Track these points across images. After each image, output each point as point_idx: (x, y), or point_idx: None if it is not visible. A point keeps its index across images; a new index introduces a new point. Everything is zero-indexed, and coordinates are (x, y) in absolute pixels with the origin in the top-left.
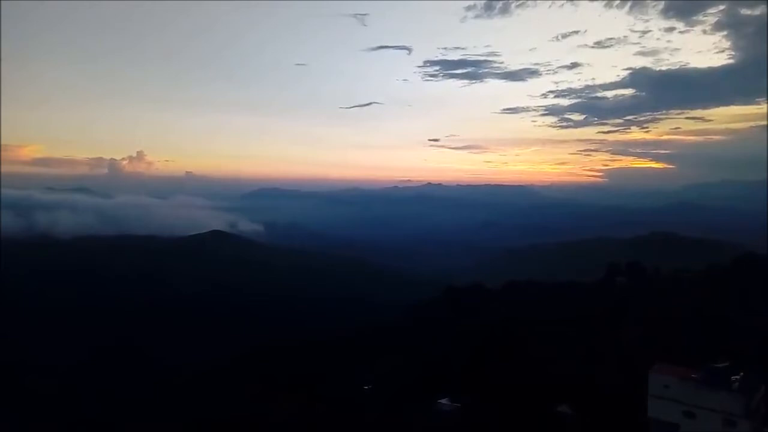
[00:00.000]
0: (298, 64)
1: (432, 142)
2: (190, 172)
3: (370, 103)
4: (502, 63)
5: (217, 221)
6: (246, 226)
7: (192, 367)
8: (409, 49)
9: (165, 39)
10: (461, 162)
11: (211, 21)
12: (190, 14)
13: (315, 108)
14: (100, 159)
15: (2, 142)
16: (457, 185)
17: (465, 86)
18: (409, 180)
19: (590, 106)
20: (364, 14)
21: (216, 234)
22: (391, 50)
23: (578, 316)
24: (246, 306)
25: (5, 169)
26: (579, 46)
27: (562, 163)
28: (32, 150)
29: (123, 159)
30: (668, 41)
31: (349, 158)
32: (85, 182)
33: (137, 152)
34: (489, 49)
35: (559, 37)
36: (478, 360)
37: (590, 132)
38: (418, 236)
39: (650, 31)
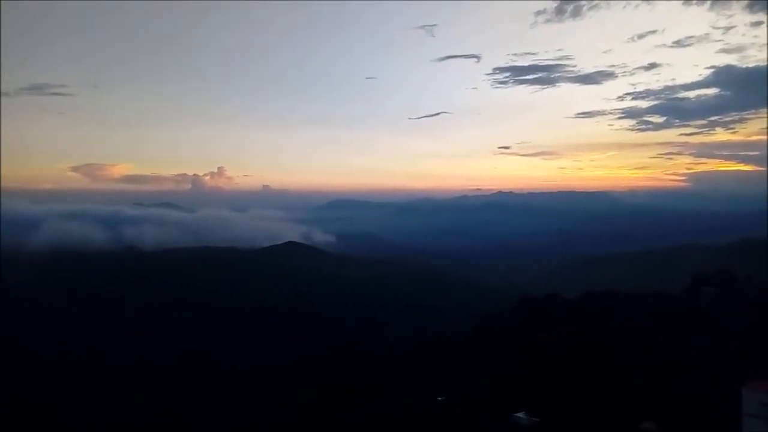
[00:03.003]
0: (368, 78)
1: (502, 150)
2: (267, 185)
3: (438, 113)
4: (575, 66)
5: (292, 232)
6: (319, 236)
7: (266, 375)
8: (477, 57)
9: (239, 59)
10: (533, 169)
11: (285, 40)
12: (262, 34)
13: (385, 120)
14: (184, 175)
15: (96, 162)
16: (529, 193)
17: (536, 92)
18: (479, 188)
19: (671, 108)
20: (433, 25)
21: (291, 245)
22: (459, 59)
23: (662, 329)
24: (318, 315)
25: (98, 186)
26: (657, 46)
27: (642, 168)
28: (122, 168)
29: (205, 175)
30: (755, 36)
31: (418, 168)
32: (170, 197)
33: (218, 168)
34: (561, 53)
35: (635, 38)
36: (555, 373)
37: (672, 134)
38: (489, 245)
39: (734, 26)
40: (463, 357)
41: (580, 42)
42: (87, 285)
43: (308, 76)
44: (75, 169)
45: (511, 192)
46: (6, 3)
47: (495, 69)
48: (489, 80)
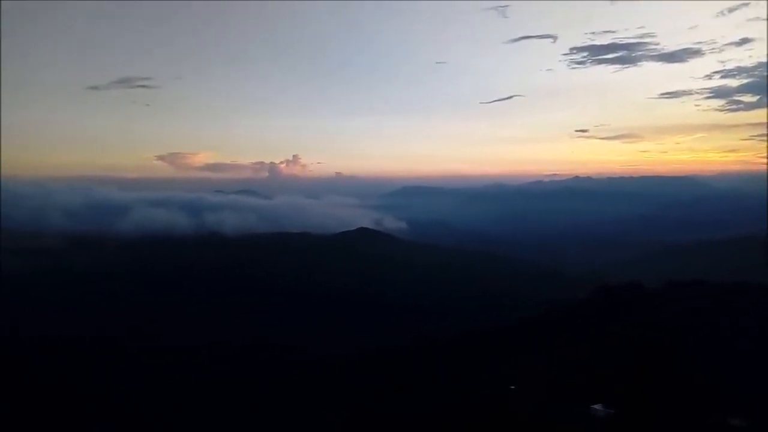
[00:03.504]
0: (439, 63)
1: (579, 133)
2: (340, 172)
3: (511, 96)
4: (658, 44)
5: (363, 219)
6: (391, 223)
7: (336, 360)
8: (553, 38)
9: (313, 48)
10: (612, 153)
11: (355, 27)
12: (333, 22)
13: (455, 105)
14: (262, 163)
15: (179, 151)
16: (608, 177)
17: (616, 72)
18: (554, 174)
19: (765, 86)
20: (505, 5)
21: (363, 231)
22: (533, 40)
23: (751, 322)
24: (389, 301)
25: (182, 174)
26: (749, 20)
27: (732, 151)
28: (204, 157)
29: (281, 162)
30: None
31: (490, 154)
32: (248, 185)
33: (293, 156)
34: (643, 31)
35: (725, 12)
36: (634, 365)
37: (765, 114)
38: (565, 232)
39: None
40: (536, 345)
41: (663, 18)
42: (171, 269)
43: (378, 63)
44: (160, 158)
45: (588, 177)
46: (94, 2)
47: (572, 49)
48: (565, 61)
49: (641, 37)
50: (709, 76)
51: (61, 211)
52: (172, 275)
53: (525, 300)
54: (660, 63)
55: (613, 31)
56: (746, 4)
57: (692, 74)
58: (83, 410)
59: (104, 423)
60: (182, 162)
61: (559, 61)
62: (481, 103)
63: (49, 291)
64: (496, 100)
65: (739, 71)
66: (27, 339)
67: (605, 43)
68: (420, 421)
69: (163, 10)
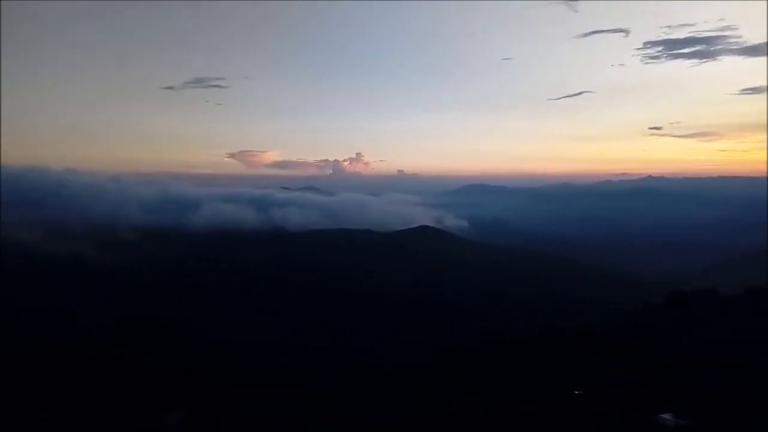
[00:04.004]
0: (505, 59)
1: (653, 131)
2: (402, 170)
3: (581, 93)
4: (739, 37)
5: (425, 217)
6: (452, 221)
7: (396, 358)
8: (626, 32)
9: (373, 46)
10: (688, 151)
11: (419, 24)
12: (397, 20)
13: (521, 101)
14: (326, 160)
15: (248, 149)
16: (684, 177)
17: (693, 66)
18: (625, 173)
19: None
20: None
21: (424, 229)
22: (605, 34)
23: None
24: (449, 300)
25: (250, 171)
26: None
27: None
28: (272, 155)
29: (344, 160)
30: None
31: (557, 152)
32: (313, 182)
33: (356, 153)
34: (723, 23)
35: None
36: (708, 375)
37: None
38: (636, 234)
39: None
40: (603, 351)
41: (744, 9)
42: (238, 261)
43: (442, 60)
44: (231, 155)
45: (662, 177)
46: (170, 4)
47: (646, 43)
48: (638, 56)
49: (721, 30)
50: None
51: (137, 205)
52: (239, 268)
53: (592, 304)
54: (741, 57)
55: (691, 24)
56: None
57: None
58: (155, 396)
59: (176, 409)
60: (251, 159)
61: (632, 55)
62: (548, 99)
63: (125, 280)
64: (564, 97)
65: None
66: (105, 324)
67: (682, 36)
68: (482, 423)
69: (235, 11)
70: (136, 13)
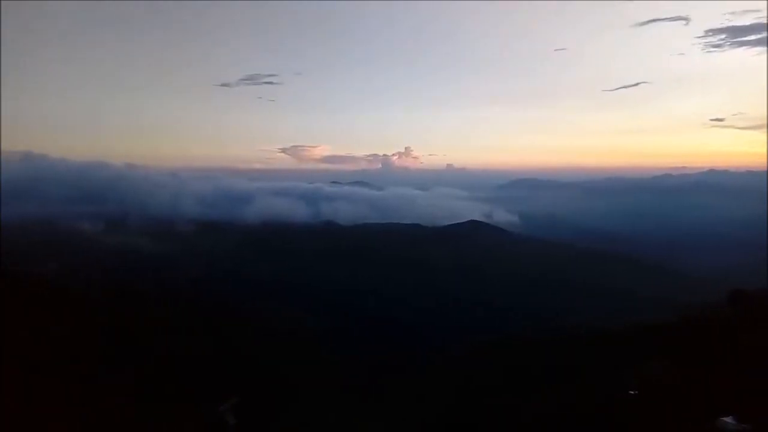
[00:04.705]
0: (558, 50)
1: (715, 122)
2: (451, 164)
3: (637, 83)
4: None
5: (474, 211)
6: (501, 216)
7: (447, 354)
8: (686, 19)
9: (422, 40)
10: (752, 144)
11: (468, 16)
12: (445, 12)
13: (575, 93)
14: (375, 155)
15: (300, 144)
16: (747, 171)
17: (758, 55)
18: (684, 166)
19: None
20: None
21: (473, 224)
22: (663, 22)
23: None
24: (500, 295)
25: (302, 166)
26: None
27: None
28: (322, 149)
29: (393, 155)
30: None
31: (612, 145)
32: (362, 176)
33: (405, 148)
34: None
35: None
36: None
37: None
38: (696, 230)
39: None
40: (660, 350)
41: None
42: (290, 255)
43: (493, 53)
44: (282, 150)
45: (725, 170)
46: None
47: (707, 31)
48: (699, 44)
49: None
50: None
51: (193, 199)
52: (289, 260)
53: (649, 302)
54: None
55: (756, 11)
56: None
57: None
58: (210, 385)
59: (230, 397)
60: (302, 154)
61: (693, 44)
62: (603, 91)
63: (181, 271)
64: (620, 88)
65: None
66: (161, 314)
67: (746, 23)
68: (534, 421)
69: (289, 9)
70: (193, 13)
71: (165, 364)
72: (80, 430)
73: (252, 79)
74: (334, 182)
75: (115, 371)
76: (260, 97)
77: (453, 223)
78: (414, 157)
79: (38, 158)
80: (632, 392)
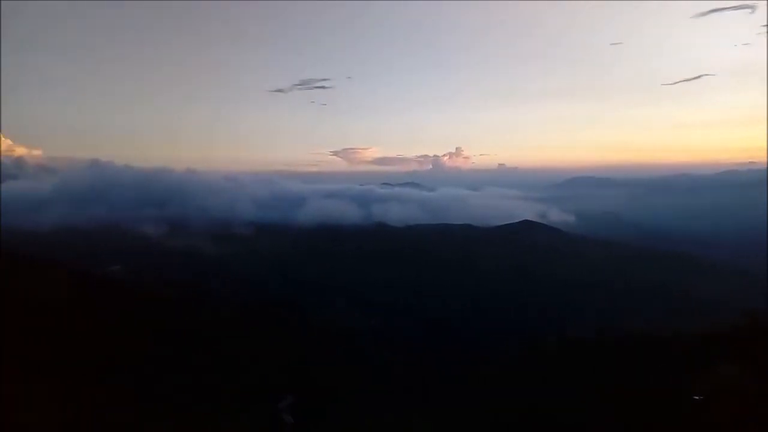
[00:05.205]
0: (614, 44)
1: None
2: (503, 164)
3: (699, 76)
4: None
5: (528, 211)
6: (557, 216)
7: (503, 355)
8: (751, 8)
9: (471, 39)
10: None
11: (516, 10)
12: (494, 9)
13: (632, 88)
14: (426, 156)
15: (351, 146)
16: None
17: None
18: (752, 161)
19: None
20: None
21: (527, 224)
22: (726, 12)
23: None
24: (555, 297)
25: (353, 168)
26: None
27: None
28: (373, 151)
29: (444, 155)
30: None
31: (673, 140)
32: (413, 177)
33: (456, 148)
34: None
35: None
36: None
37: None
38: (764, 228)
39: None
40: (726, 355)
41: None
42: (342, 255)
43: (545, 49)
44: (334, 153)
45: None
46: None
47: None
48: (766, 33)
49: None
50: None
51: (250, 202)
52: (342, 261)
53: (714, 305)
54: None
55: None
56: None
57: None
58: (268, 383)
59: (287, 396)
60: (354, 156)
61: (758, 33)
62: (663, 84)
63: (239, 272)
64: (680, 81)
65: None
66: (220, 315)
67: None
68: (592, 426)
69: (340, 13)
70: (249, 22)
71: (225, 363)
72: (149, 422)
73: (305, 84)
74: (385, 184)
75: (177, 369)
76: (313, 102)
77: (506, 223)
78: (465, 157)
79: (105, 165)
80: (697, 397)
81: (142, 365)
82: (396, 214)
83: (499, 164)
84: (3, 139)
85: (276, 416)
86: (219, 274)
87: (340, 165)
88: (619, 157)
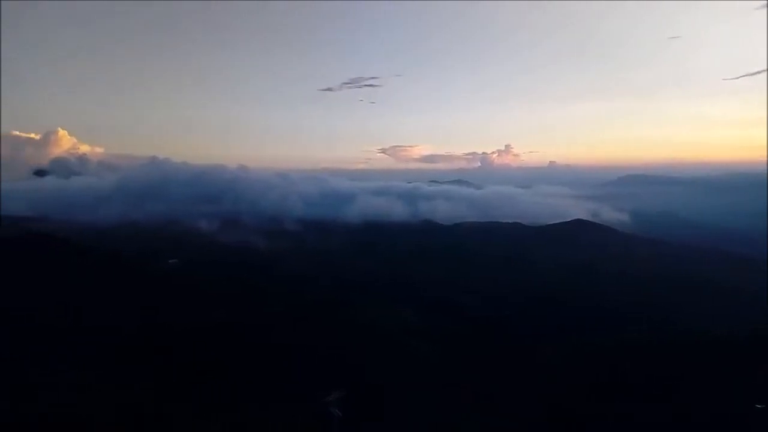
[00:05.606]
0: (671, 38)
1: None
2: (554, 161)
3: (763, 70)
4: None
5: (579, 210)
6: (610, 215)
7: (549, 354)
8: None
9: (522, 33)
10: None
11: (571, 5)
12: (545, 4)
13: (691, 83)
14: (474, 153)
15: (399, 144)
16: None
17: None
18: None
19: None
20: None
21: (579, 223)
22: None
23: None
24: (609, 299)
25: (401, 166)
26: None
27: None
28: (421, 149)
29: (493, 152)
30: None
31: (734, 137)
32: (461, 175)
33: (505, 145)
34: None
35: None
36: None
37: None
38: None
39: None
40: None
41: None
42: (389, 252)
43: (599, 43)
44: (382, 150)
45: None
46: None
47: None
48: None
49: None
50: None
51: (300, 199)
52: (389, 258)
53: None
54: None
55: None
56: None
57: None
58: (317, 377)
59: (337, 390)
60: (402, 154)
61: None
62: (723, 79)
63: (290, 268)
64: (743, 76)
65: None
66: (272, 309)
67: None
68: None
69: (388, 12)
70: (299, 23)
71: (275, 356)
72: (204, 414)
73: (354, 83)
74: (432, 181)
75: (229, 362)
76: (361, 100)
77: (557, 222)
78: (514, 155)
79: (162, 162)
80: (759, 406)
81: (195, 357)
82: (443, 212)
83: (550, 162)
84: (68, 137)
85: (325, 410)
86: (269, 270)
87: (388, 162)
88: (674, 154)
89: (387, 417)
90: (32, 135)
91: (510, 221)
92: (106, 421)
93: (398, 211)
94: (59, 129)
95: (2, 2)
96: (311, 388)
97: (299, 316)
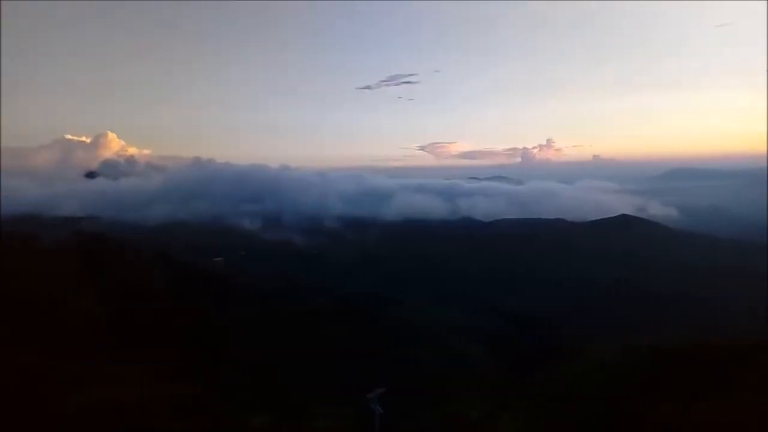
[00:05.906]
0: (719, 25)
1: None
2: (598, 155)
3: None
4: None
5: (625, 205)
6: (657, 210)
7: (594, 352)
8: None
9: (563, 26)
10: None
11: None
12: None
13: (741, 73)
14: (515, 149)
15: (438, 141)
16: None
17: None
18: None
19: None
20: None
21: (624, 218)
22: None
23: None
24: (657, 296)
25: (439, 162)
26: None
27: None
28: (460, 145)
29: (534, 147)
30: None
31: None
32: (501, 171)
33: (547, 140)
34: None
35: None
36: None
37: None
38: None
39: None
40: None
41: None
42: (428, 249)
43: (643, 34)
44: (421, 147)
45: None
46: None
47: None
48: None
49: None
50: None
51: (339, 197)
52: (427, 254)
53: None
54: None
55: None
56: None
57: None
58: (358, 374)
59: (377, 387)
60: (440, 151)
61: None
62: None
63: (329, 263)
64: None
65: None
66: (317, 304)
67: None
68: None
69: (425, 9)
70: (339, 21)
71: (316, 352)
72: (247, 407)
73: (392, 80)
74: (472, 178)
75: (272, 356)
76: (400, 97)
77: (601, 217)
78: (556, 149)
79: (207, 163)
80: None
81: (242, 351)
82: (483, 209)
83: (594, 156)
84: (117, 140)
85: (365, 406)
86: (310, 267)
87: (426, 159)
88: (724, 147)
89: (427, 414)
90: (83, 138)
91: (552, 217)
92: (156, 413)
93: (437, 208)
94: (108, 132)
95: (52, 11)
96: (351, 383)
97: (339, 312)
